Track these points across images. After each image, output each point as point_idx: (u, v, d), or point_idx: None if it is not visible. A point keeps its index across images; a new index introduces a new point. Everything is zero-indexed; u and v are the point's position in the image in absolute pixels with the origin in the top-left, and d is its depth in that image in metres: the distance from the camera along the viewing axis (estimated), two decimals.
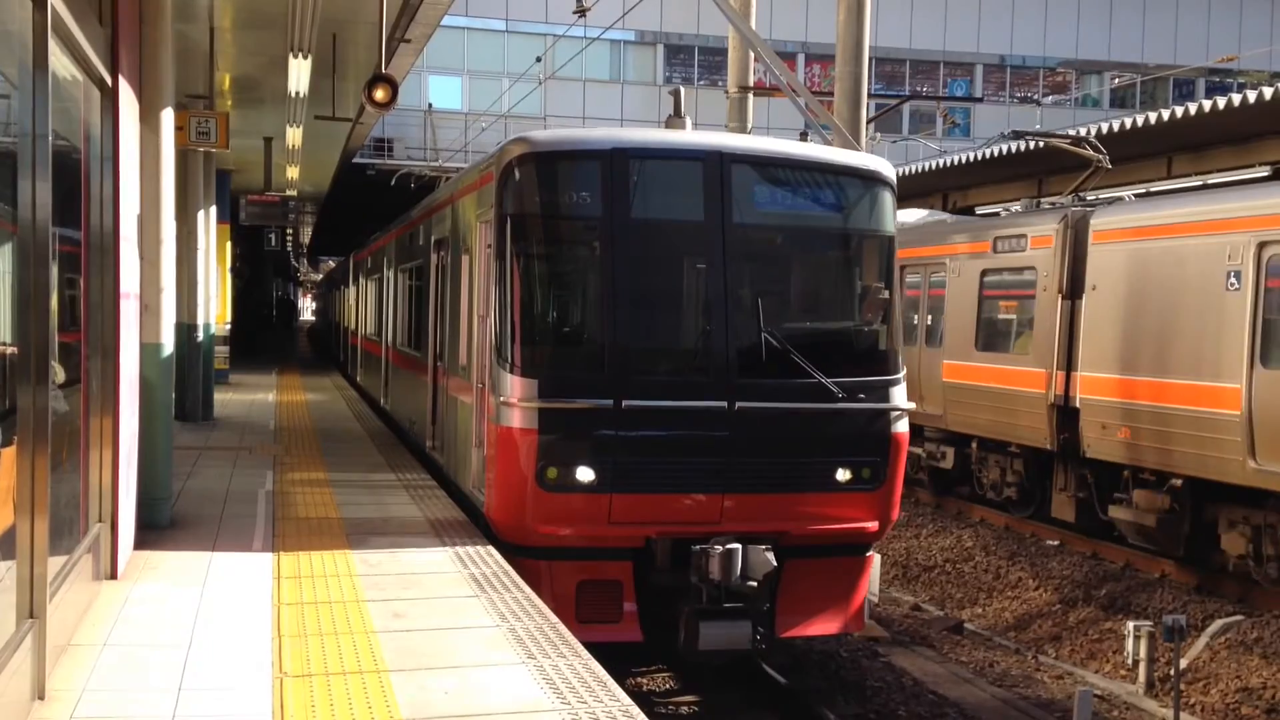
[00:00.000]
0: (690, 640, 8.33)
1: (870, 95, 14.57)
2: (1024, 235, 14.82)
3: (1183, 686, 10.02)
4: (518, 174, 8.59)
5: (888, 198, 9.16)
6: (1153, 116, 15.41)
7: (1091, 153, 15.14)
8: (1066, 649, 11.81)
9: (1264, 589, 11.50)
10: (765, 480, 8.53)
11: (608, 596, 8.46)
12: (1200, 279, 11.77)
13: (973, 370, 15.73)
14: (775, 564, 8.36)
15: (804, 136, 16.02)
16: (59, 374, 5.92)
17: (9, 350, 4.91)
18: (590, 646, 6.23)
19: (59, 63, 5.76)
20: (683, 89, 9.92)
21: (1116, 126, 16.17)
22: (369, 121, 20.43)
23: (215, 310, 20.61)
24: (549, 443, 8.19)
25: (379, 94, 10.08)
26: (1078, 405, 13.59)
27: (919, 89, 40.76)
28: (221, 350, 21.96)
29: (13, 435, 4.82)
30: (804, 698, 9.10)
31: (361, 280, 23.57)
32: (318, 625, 6.43)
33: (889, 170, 9.25)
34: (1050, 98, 42.26)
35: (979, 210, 20.80)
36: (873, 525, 8.89)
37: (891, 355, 9.10)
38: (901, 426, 8.91)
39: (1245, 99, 13.84)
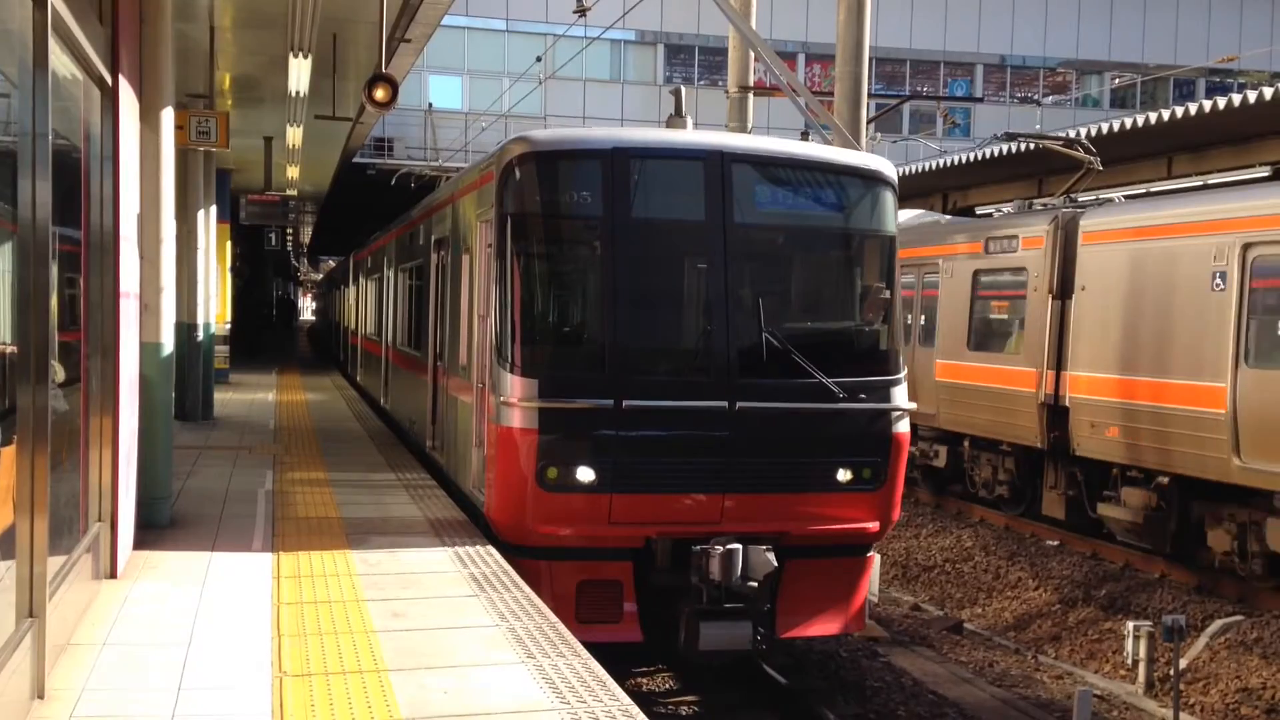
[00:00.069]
0: (690, 641, 8.33)
1: (870, 95, 14.59)
2: (1015, 236, 14.99)
3: (1182, 687, 10.02)
4: (518, 173, 8.58)
5: (889, 197, 9.15)
6: (1152, 117, 15.43)
7: (1083, 154, 15.27)
8: (1066, 649, 11.81)
9: (1262, 589, 11.51)
10: (766, 480, 8.52)
11: (608, 597, 8.46)
12: (1187, 279, 11.96)
13: (965, 370, 15.87)
14: (776, 564, 8.36)
15: (805, 136, 16.04)
16: (59, 373, 5.92)
17: (9, 349, 4.91)
18: (590, 647, 6.23)
19: (59, 61, 5.75)
20: (684, 88, 9.92)
21: (1116, 126, 16.18)
22: (369, 121, 20.43)
23: (215, 310, 20.61)
24: (549, 443, 8.19)
25: (379, 94, 10.08)
26: (1067, 404, 13.77)
27: (919, 89, 40.76)
28: (221, 350, 21.96)
29: (12, 434, 4.82)
30: (804, 698, 9.10)
31: (361, 280, 23.57)
32: (317, 625, 6.43)
33: (890, 170, 9.24)
34: (1050, 98, 42.25)
35: (978, 210, 20.81)
36: (873, 525, 8.89)
37: (892, 355, 9.10)
38: (903, 426, 8.91)
39: (1245, 99, 13.87)
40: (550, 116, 36.30)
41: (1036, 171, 19.47)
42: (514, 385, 8.29)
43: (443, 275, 11.67)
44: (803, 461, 8.61)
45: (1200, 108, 14.71)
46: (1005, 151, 18.11)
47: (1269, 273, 11.11)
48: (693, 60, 39.53)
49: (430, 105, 34.08)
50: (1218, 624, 11.01)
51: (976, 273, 15.86)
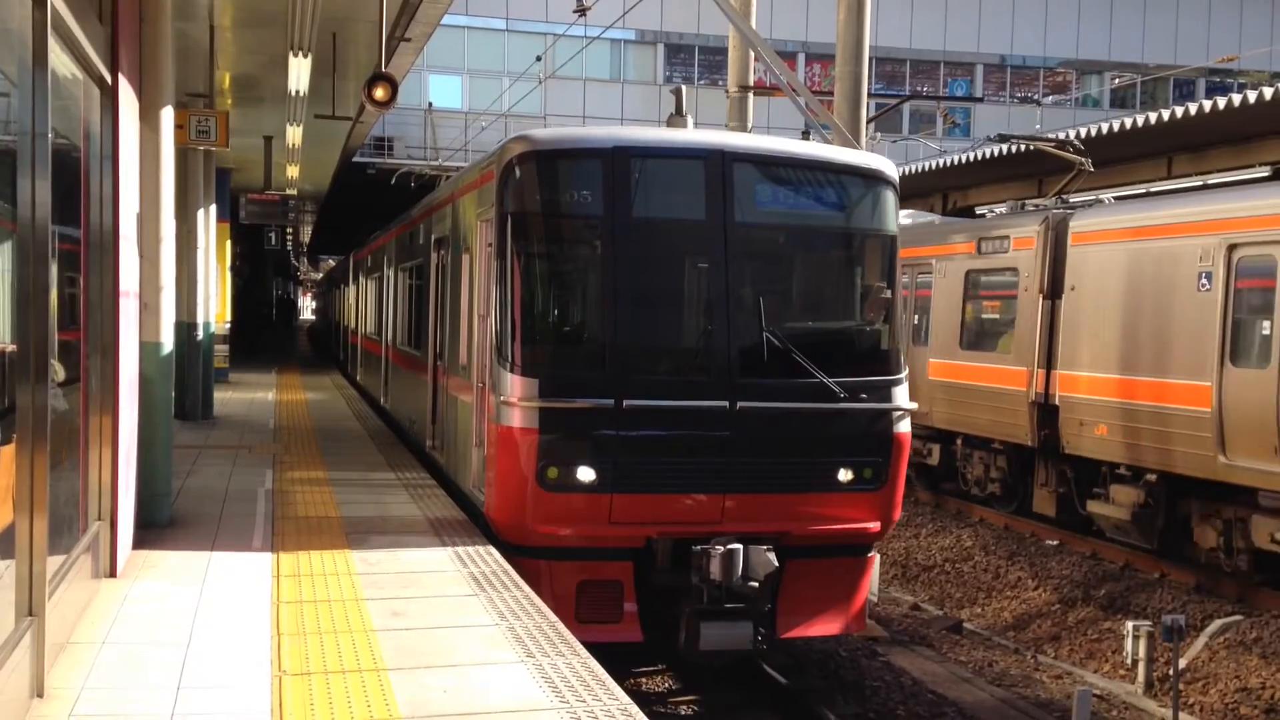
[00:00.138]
0: (691, 641, 8.32)
1: (870, 95, 14.60)
2: (1007, 237, 15.16)
3: (1181, 686, 10.02)
4: (518, 172, 8.57)
5: (890, 197, 9.14)
6: (1151, 117, 15.46)
7: (1075, 155, 15.42)
8: (1065, 649, 11.81)
9: (1262, 589, 11.52)
10: (766, 480, 8.51)
11: (608, 597, 8.45)
12: (1173, 280, 12.17)
13: (957, 369, 16.01)
14: (776, 564, 8.35)
15: (806, 136, 16.04)
16: (59, 372, 5.92)
17: (8, 348, 4.91)
18: (590, 647, 6.22)
19: (58, 60, 5.75)
20: (684, 88, 9.90)
21: (1113, 127, 16.19)
22: (369, 120, 20.42)
23: (215, 309, 20.60)
24: (549, 442, 8.18)
25: (379, 93, 10.08)
26: (1057, 403, 13.94)
27: (919, 89, 40.76)
28: (221, 349, 21.96)
29: (12, 433, 4.82)
30: (804, 698, 9.10)
31: (361, 279, 23.57)
32: (316, 624, 6.43)
33: (891, 169, 9.23)
34: (1050, 98, 42.25)
35: (978, 210, 20.85)
36: (874, 525, 8.88)
37: (894, 355, 9.09)
38: (904, 426, 8.90)
39: (1245, 99, 13.90)
40: (550, 116, 36.29)
41: (1036, 171, 19.49)
42: (514, 385, 8.28)
43: (443, 274, 11.66)
44: (804, 461, 8.60)
45: (1200, 108, 14.75)
46: (1003, 152, 18.17)
47: (1253, 273, 11.27)
48: (693, 60, 39.52)
49: (430, 104, 34.07)
50: (1217, 624, 11.01)
51: (969, 273, 16.04)
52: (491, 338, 8.71)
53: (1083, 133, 16.59)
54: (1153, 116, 15.37)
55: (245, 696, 5.29)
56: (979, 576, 14.10)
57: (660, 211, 8.61)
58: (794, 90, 12.27)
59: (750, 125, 16.44)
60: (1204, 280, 11.71)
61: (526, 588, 7.38)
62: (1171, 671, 9.49)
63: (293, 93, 13.65)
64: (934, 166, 21.41)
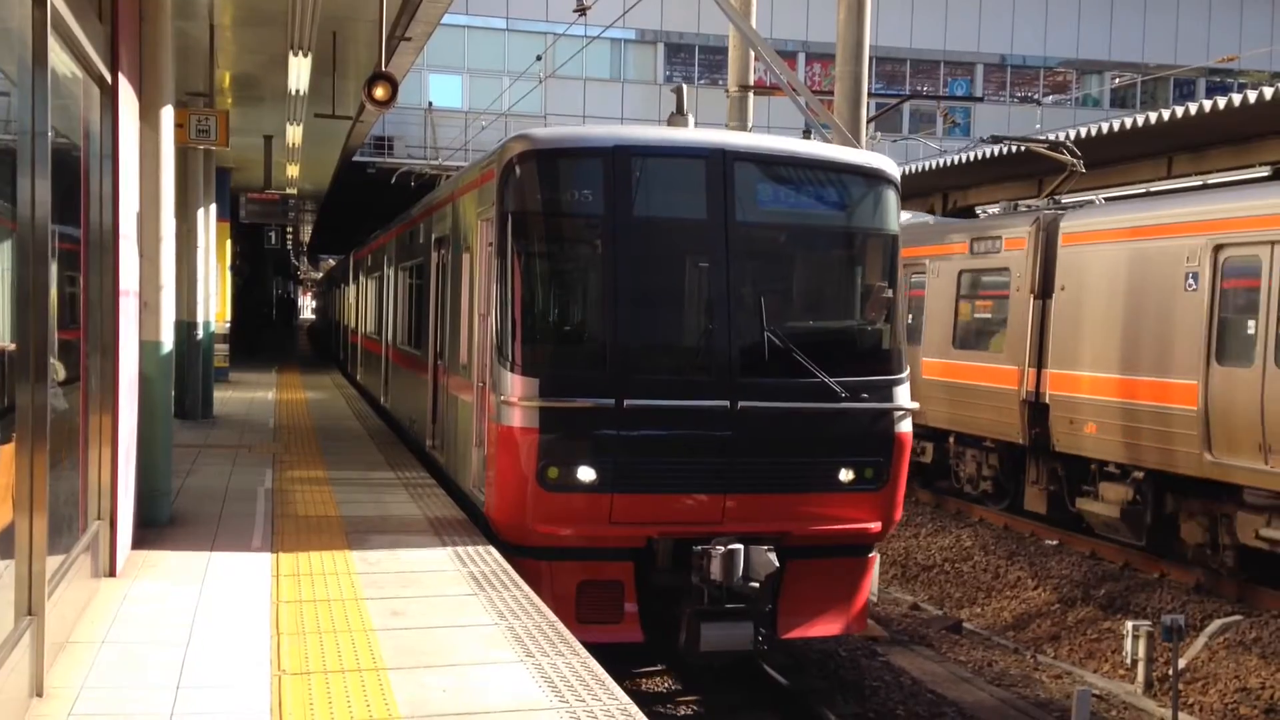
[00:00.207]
0: (691, 641, 8.31)
1: (870, 94, 14.60)
2: (999, 237, 15.35)
3: (1181, 686, 10.02)
4: (519, 171, 8.56)
5: (891, 196, 9.12)
6: (1151, 117, 15.46)
7: (1067, 157, 15.57)
8: (1065, 649, 11.81)
9: (1260, 588, 11.53)
10: (767, 480, 8.49)
11: (608, 597, 8.43)
12: (1161, 280, 12.34)
13: (950, 367, 16.17)
14: (777, 564, 8.33)
15: (807, 135, 16.03)
16: (59, 371, 5.92)
17: (8, 347, 4.91)
18: (591, 647, 6.22)
19: (58, 59, 5.75)
20: (685, 86, 9.89)
21: (1110, 128, 16.19)
22: (369, 120, 20.42)
23: (215, 308, 20.60)
24: (550, 442, 8.17)
25: (379, 92, 10.07)
26: (1047, 401, 14.12)
27: (919, 88, 40.75)
28: (221, 348, 21.96)
29: (12, 432, 4.82)
30: (804, 699, 9.09)
31: (361, 279, 23.56)
32: (316, 623, 6.43)
33: (893, 168, 9.21)
34: (1051, 97, 42.25)
35: (978, 210, 20.87)
36: (876, 526, 8.86)
37: (895, 354, 9.07)
38: (905, 426, 8.88)
39: (1245, 99, 13.92)
40: (550, 115, 36.28)
41: (1035, 171, 19.50)
42: (514, 384, 8.27)
43: (443, 274, 11.66)
44: (805, 461, 8.59)
45: (1200, 108, 14.77)
46: (999, 152, 18.23)
47: (1239, 273, 11.44)
48: (693, 59, 39.51)
49: (430, 104, 34.06)
50: (1216, 624, 11.01)
51: (962, 273, 16.22)
52: (492, 337, 8.70)
53: (1083, 132, 16.63)
54: (1153, 116, 15.40)
55: (245, 696, 5.29)
56: (978, 576, 14.10)
57: (661, 211, 8.60)
58: (794, 90, 12.26)
59: (750, 125, 16.43)
60: (1191, 280, 11.88)
61: (526, 587, 7.37)
62: (1171, 671, 9.49)
63: (293, 92, 13.65)
64: (934, 166, 21.43)
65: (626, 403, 8.16)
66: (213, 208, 19.94)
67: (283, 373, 28.06)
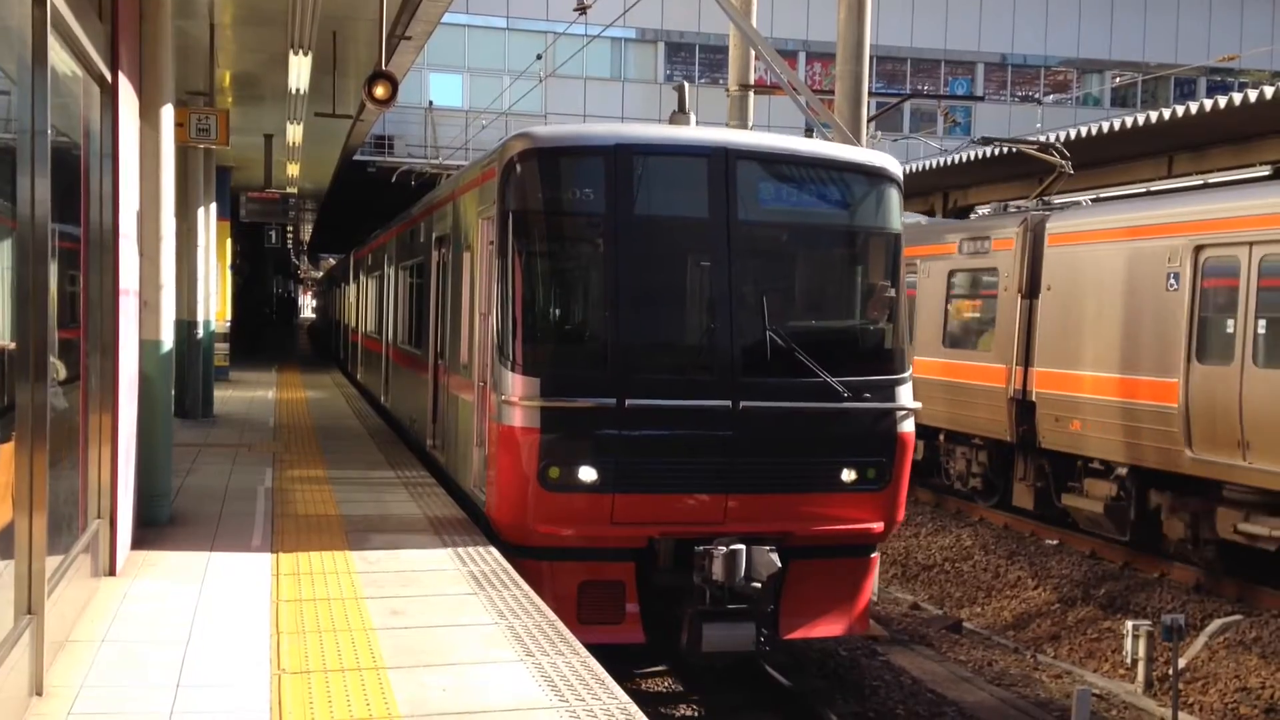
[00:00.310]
0: (693, 642, 8.28)
1: (871, 94, 14.63)
2: (988, 238, 15.61)
3: (1181, 686, 10.02)
4: (520, 170, 8.53)
5: (894, 195, 9.08)
6: (1153, 116, 15.48)
7: (1056, 158, 15.87)
8: (1065, 648, 11.80)
9: (1260, 588, 11.54)
10: (769, 480, 8.46)
11: (610, 597, 8.40)
12: (1143, 280, 12.61)
13: (940, 366, 16.36)
14: (779, 565, 8.31)
15: (809, 133, 16.04)
16: (59, 370, 5.92)
17: (8, 346, 4.91)
18: (592, 648, 6.20)
19: (58, 58, 5.74)
20: (687, 84, 9.88)
21: (1117, 125, 16.21)
22: (369, 119, 20.41)
23: (215, 307, 20.60)
24: (551, 442, 8.14)
25: (379, 91, 10.07)
26: (1034, 399, 14.37)
27: (920, 88, 40.74)
28: (221, 347, 21.95)
29: (12, 431, 4.81)
30: (805, 699, 9.08)
31: (362, 278, 23.56)
32: (316, 622, 6.42)
33: (895, 167, 9.18)
34: (1051, 97, 42.25)
35: (978, 209, 20.93)
36: (878, 526, 8.83)
37: (898, 354, 9.04)
38: (908, 426, 8.85)
39: (1246, 98, 13.96)
40: (550, 114, 36.27)
41: (1034, 171, 19.50)
42: (515, 384, 8.26)
43: (444, 273, 11.64)
44: (807, 461, 8.56)
45: (1200, 107, 14.79)
46: (995, 153, 18.33)
47: (1218, 273, 11.69)
48: (693, 58, 39.51)
49: (430, 103, 34.05)
50: (1217, 623, 11.00)
51: (952, 272, 16.47)
52: (493, 336, 8.67)
53: (1079, 133, 16.71)
54: (1153, 116, 15.46)
55: (244, 695, 5.28)
56: (979, 576, 14.10)
57: (663, 209, 8.57)
58: (795, 89, 12.26)
59: (751, 124, 16.44)
60: (1172, 280, 12.15)
61: (526, 586, 7.36)
62: (1171, 671, 9.49)
63: (293, 91, 13.64)
64: (934, 166, 21.47)
65: (628, 402, 8.14)
66: (213, 207, 19.93)
67: (283, 372, 28.06)
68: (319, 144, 20.48)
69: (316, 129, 17.80)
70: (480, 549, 8.36)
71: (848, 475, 8.63)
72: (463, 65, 37.59)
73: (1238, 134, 15.92)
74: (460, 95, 37.59)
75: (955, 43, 40.92)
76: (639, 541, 8.45)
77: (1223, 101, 14.35)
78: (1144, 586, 12.52)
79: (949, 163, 20.97)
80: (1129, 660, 10.48)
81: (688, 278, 8.76)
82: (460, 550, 8.30)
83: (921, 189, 23.13)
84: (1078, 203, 15.54)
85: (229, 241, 24.84)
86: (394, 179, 29.55)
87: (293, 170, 21.50)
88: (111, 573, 7.33)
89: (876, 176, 9.04)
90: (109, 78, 7.09)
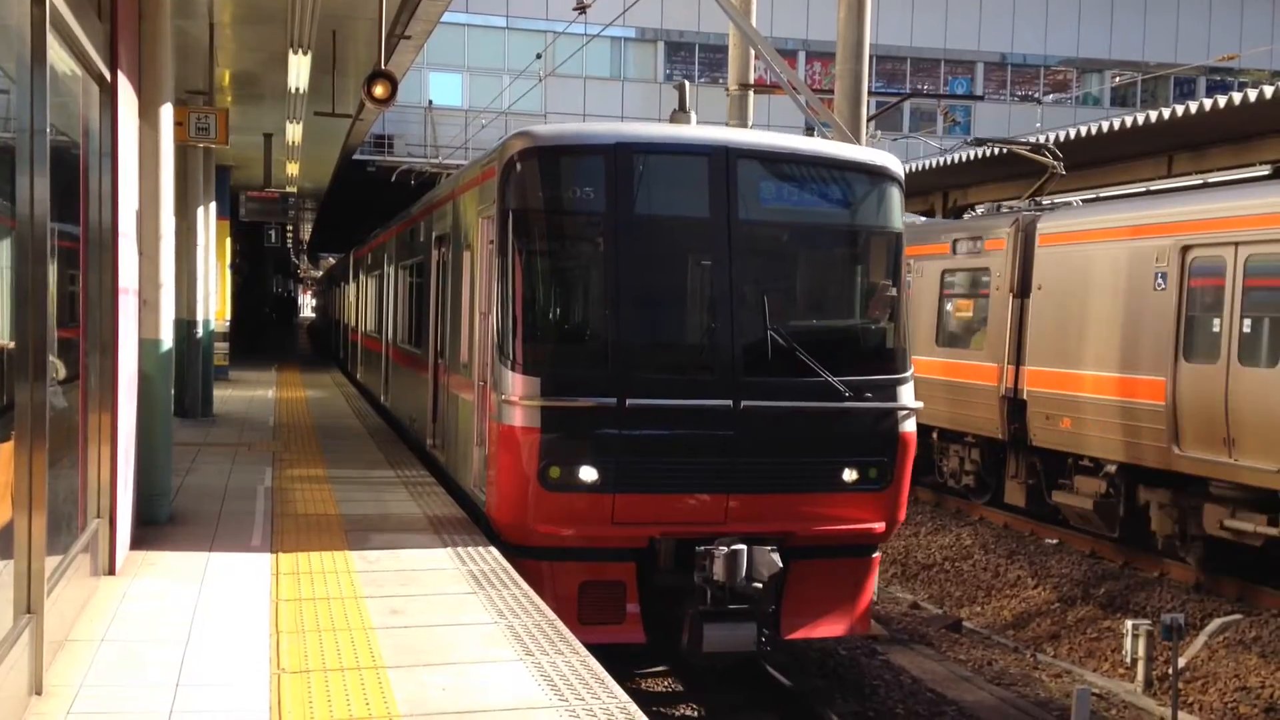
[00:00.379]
0: (694, 642, 8.26)
1: (871, 93, 14.64)
2: (980, 238, 15.80)
3: (1181, 685, 10.02)
4: (520, 168, 8.51)
5: (895, 193, 9.06)
6: (1152, 115, 15.52)
7: (1048, 159, 16.09)
8: (1065, 647, 11.80)
9: (1260, 588, 11.55)
10: (771, 480, 8.44)
11: (610, 597, 8.38)
12: (1132, 279, 12.79)
13: (933, 365, 16.51)
14: (781, 565, 8.29)
15: (810, 132, 16.05)
16: (59, 370, 5.91)
17: (8, 345, 4.90)
18: (593, 648, 6.19)
19: (57, 57, 5.74)
20: (687, 83, 9.86)
21: (1117, 125, 16.23)
22: (369, 118, 20.40)
23: (215, 306, 20.59)
24: (551, 441, 8.12)
25: (378, 90, 10.06)
26: (1025, 397, 14.55)
27: (919, 87, 40.74)
28: (221, 346, 21.94)
29: (11, 431, 4.81)
30: (806, 699, 9.08)
31: (362, 277, 23.55)
32: (315, 621, 6.42)
33: (897, 166, 9.15)
34: (1051, 96, 42.24)
35: (977, 208, 20.98)
36: (880, 526, 8.81)
37: (899, 353, 9.03)
38: (909, 426, 8.83)
39: (1245, 98, 13.99)
40: (550, 114, 36.27)
41: (1033, 171, 19.53)
42: (516, 383, 8.24)
43: (444, 272, 11.63)
44: (808, 461, 8.53)
45: (1200, 106, 14.81)
46: (992, 153, 18.39)
47: (1205, 273, 11.88)
48: (693, 58, 39.50)
49: (430, 102, 34.05)
50: (1216, 623, 11.00)
51: (945, 272, 16.63)
52: (493, 335, 8.65)
53: (1083, 132, 16.76)
54: (1153, 115, 15.50)
55: (244, 694, 5.28)
56: (978, 575, 14.09)
57: (663, 208, 8.54)
58: (794, 88, 12.25)
59: (750, 123, 16.43)
60: (1160, 280, 12.33)
61: (525, 586, 7.36)
62: (1171, 670, 9.49)
63: (292, 90, 13.64)
64: (934, 165, 21.52)
65: (629, 402, 8.11)
66: (212, 206, 19.93)
67: (282, 371, 28.05)
68: (318, 143, 20.47)
69: (316, 128, 17.80)
70: (480, 548, 8.35)
71: (849, 475, 8.61)
72: (462, 64, 37.58)
73: (1237, 133, 15.94)
74: (460, 94, 37.59)
75: (955, 42, 40.92)
76: (640, 541, 8.43)
77: (1222, 101, 14.38)
78: (1143, 586, 12.52)
79: (948, 162, 21.01)
80: (1129, 659, 10.47)
81: (688, 277, 8.74)
82: (460, 549, 8.30)
83: (921, 188, 23.15)
84: (1069, 203, 15.68)
85: (228, 240, 24.83)
86: (394, 178, 29.56)
87: (292, 169, 21.49)
88: (111, 572, 7.33)
89: (878, 175, 9.02)
90: (108, 76, 7.08)
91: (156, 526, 8.81)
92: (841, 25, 13.00)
